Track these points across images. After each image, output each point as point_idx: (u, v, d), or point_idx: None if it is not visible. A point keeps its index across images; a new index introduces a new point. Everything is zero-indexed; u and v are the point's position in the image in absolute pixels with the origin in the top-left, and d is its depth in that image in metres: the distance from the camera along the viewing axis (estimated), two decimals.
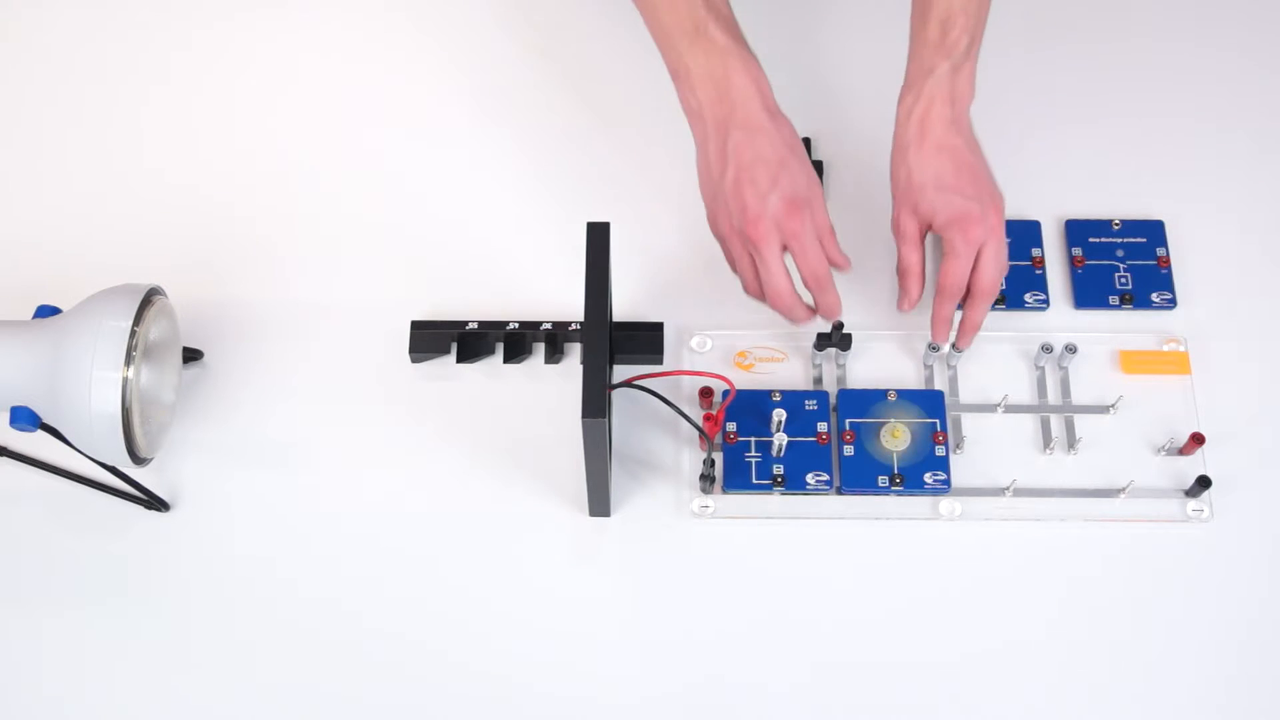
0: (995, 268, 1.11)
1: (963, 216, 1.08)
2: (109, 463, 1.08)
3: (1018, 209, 1.23)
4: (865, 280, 1.21)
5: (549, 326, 1.18)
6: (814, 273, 1.09)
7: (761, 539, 1.12)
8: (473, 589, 1.10)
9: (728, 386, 1.13)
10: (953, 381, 1.18)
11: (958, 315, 1.15)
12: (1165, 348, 1.19)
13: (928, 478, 1.12)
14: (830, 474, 1.13)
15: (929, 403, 1.15)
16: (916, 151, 1.10)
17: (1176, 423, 1.15)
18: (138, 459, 1.07)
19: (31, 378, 1.04)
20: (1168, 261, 1.22)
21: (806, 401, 1.15)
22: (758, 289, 1.12)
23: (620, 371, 1.16)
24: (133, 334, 1.04)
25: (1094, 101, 1.30)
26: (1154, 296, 1.21)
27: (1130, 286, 1.21)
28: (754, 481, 1.13)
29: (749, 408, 1.15)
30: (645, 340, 1.18)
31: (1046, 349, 1.16)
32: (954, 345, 1.16)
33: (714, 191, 1.07)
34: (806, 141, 1.27)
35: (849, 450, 1.13)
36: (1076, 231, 1.23)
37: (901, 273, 1.15)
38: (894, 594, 1.10)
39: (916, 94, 1.10)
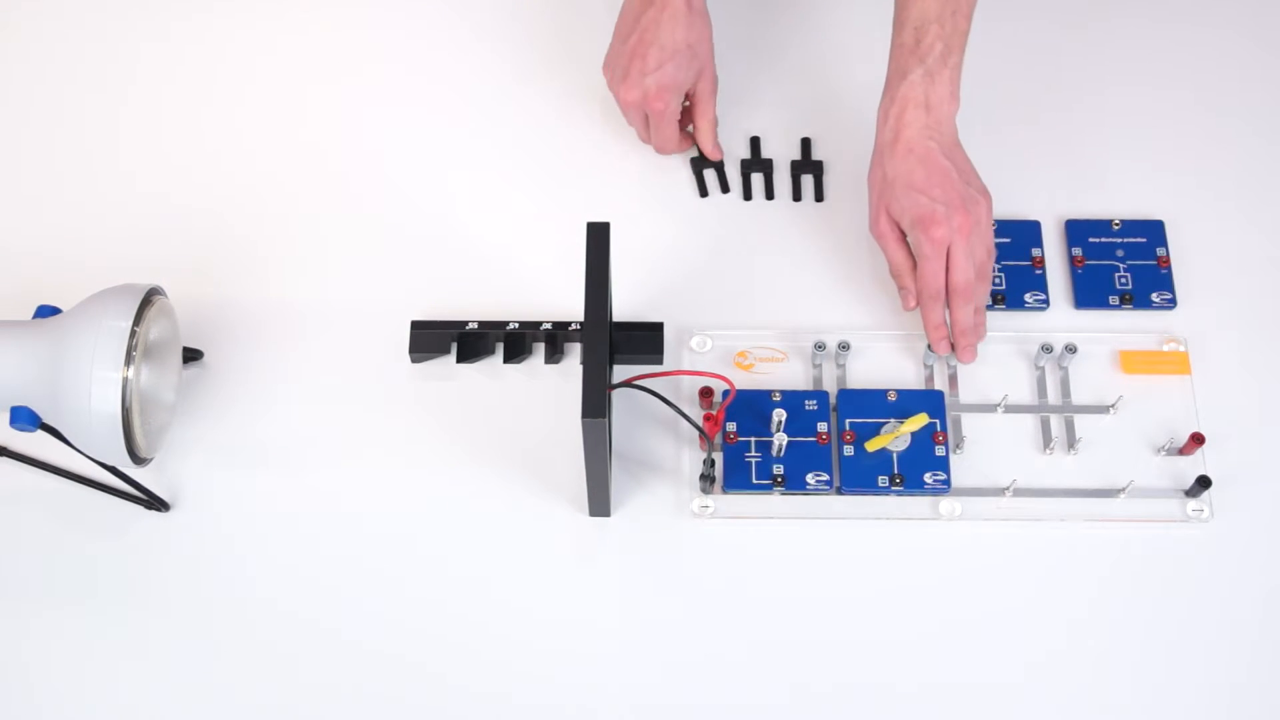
0: (965, 267, 1.12)
1: (926, 217, 1.10)
2: (109, 463, 1.08)
3: (1018, 209, 1.23)
4: (864, 281, 1.21)
5: (549, 326, 1.18)
6: (662, 145, 1.25)
7: (761, 539, 1.12)
8: (473, 589, 1.10)
9: (728, 386, 1.13)
10: (953, 381, 1.18)
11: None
12: (1165, 348, 1.19)
13: (928, 478, 1.12)
14: (830, 474, 1.12)
15: (929, 403, 1.15)
16: (889, 153, 1.12)
17: (1176, 423, 1.15)
18: (138, 459, 1.07)
19: (31, 378, 1.04)
20: (1168, 261, 1.22)
21: (806, 401, 1.15)
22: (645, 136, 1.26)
23: (620, 371, 1.16)
24: (133, 334, 1.04)
25: (1094, 101, 1.30)
26: (1154, 296, 1.21)
27: (1130, 286, 1.21)
28: (754, 481, 1.13)
29: (749, 408, 1.15)
30: (645, 340, 1.18)
31: (1046, 349, 1.16)
32: (958, 357, 1.17)
33: (616, 50, 1.21)
34: (806, 141, 1.28)
35: (849, 450, 1.13)
36: (1076, 231, 1.23)
37: (894, 273, 1.16)
38: (894, 594, 1.10)
39: (891, 97, 1.13)
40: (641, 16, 1.19)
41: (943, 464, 1.12)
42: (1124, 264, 1.22)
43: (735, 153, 1.27)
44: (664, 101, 1.20)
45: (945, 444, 1.13)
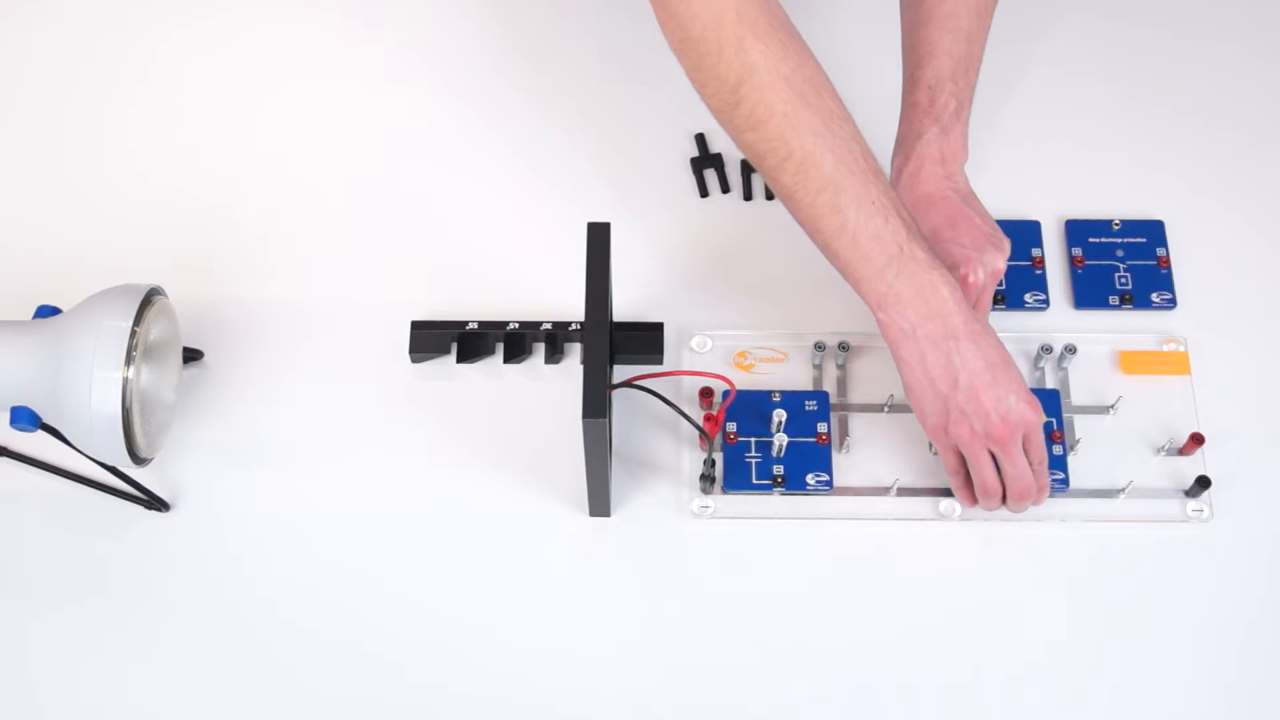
0: (989, 304, 1.13)
1: (962, 262, 1.10)
2: (109, 463, 1.08)
3: (1018, 209, 1.23)
4: None
5: (549, 326, 1.18)
6: (1041, 458, 1.08)
7: (761, 539, 1.12)
8: (473, 589, 1.10)
9: (728, 386, 1.13)
10: None
11: None
12: (1165, 348, 1.19)
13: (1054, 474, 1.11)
14: (830, 474, 1.12)
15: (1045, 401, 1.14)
16: (911, 209, 1.11)
17: (1176, 423, 1.15)
18: (138, 459, 1.07)
19: (31, 378, 1.04)
20: (1168, 261, 1.22)
21: (806, 402, 1.15)
22: (972, 493, 1.11)
23: (620, 371, 1.16)
24: (133, 334, 1.04)
25: (1094, 101, 1.30)
26: (1154, 296, 1.21)
27: (1130, 286, 1.21)
28: (754, 482, 1.13)
29: (749, 408, 1.15)
30: (645, 340, 1.18)
31: (1046, 349, 1.16)
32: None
33: (943, 404, 1.05)
34: None
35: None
36: (1076, 231, 1.23)
37: None
38: (893, 594, 1.10)
39: (906, 155, 1.13)
40: (951, 360, 1.05)
41: (1060, 463, 1.12)
42: (1124, 264, 1.22)
43: (735, 153, 1.27)
44: (1039, 413, 1.06)
45: (1063, 443, 1.12)
